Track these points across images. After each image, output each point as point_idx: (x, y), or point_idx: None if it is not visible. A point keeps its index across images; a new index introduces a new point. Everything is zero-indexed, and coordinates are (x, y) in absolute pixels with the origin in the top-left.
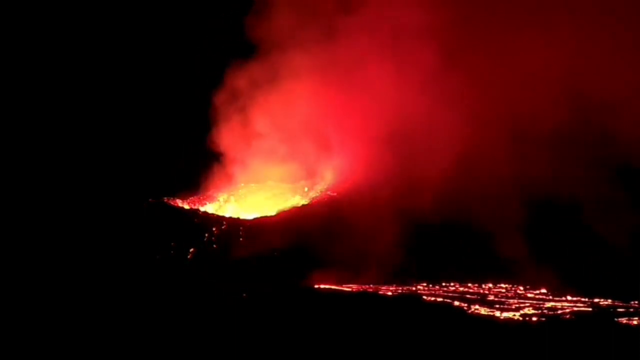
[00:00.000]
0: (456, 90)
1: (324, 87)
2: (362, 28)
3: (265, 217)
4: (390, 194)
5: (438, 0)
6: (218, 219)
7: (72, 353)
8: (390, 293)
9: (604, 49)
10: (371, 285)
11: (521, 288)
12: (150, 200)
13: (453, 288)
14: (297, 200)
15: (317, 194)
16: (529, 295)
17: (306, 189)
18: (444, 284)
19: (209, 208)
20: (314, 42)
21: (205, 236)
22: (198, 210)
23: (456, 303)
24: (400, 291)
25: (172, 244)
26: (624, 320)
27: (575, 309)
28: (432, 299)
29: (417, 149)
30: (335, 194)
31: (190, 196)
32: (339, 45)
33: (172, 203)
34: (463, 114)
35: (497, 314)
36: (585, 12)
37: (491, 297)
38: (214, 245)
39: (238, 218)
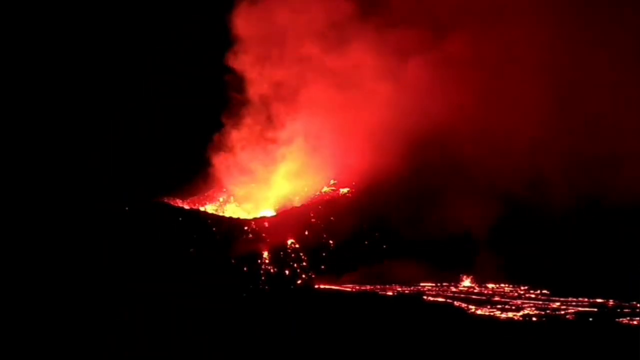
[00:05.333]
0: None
1: (325, 85)
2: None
3: (265, 217)
4: (391, 194)
5: None
6: (218, 219)
7: (72, 353)
8: (390, 293)
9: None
10: (371, 285)
11: (522, 288)
12: (150, 200)
13: (454, 288)
14: (297, 200)
15: (317, 194)
16: (530, 295)
17: (306, 189)
18: (444, 284)
19: (209, 208)
20: (318, 42)
21: (205, 236)
22: (198, 210)
23: (457, 303)
24: (400, 291)
25: (172, 244)
26: (624, 320)
27: (576, 309)
28: (433, 299)
29: (418, 148)
30: (335, 193)
31: (190, 196)
32: (342, 43)
33: (172, 203)
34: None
35: (498, 314)
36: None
37: (492, 297)
38: (214, 245)
39: (238, 218)
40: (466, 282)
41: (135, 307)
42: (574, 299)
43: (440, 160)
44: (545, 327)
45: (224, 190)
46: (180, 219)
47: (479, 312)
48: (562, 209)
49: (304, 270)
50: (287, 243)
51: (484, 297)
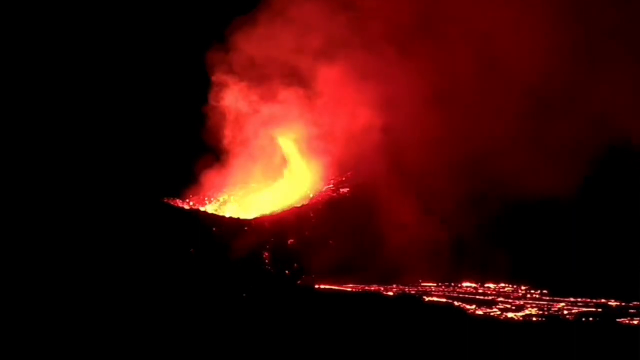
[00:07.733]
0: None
1: (325, 82)
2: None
3: (265, 217)
4: (391, 193)
5: None
6: (218, 219)
7: (72, 353)
8: (391, 293)
9: None
10: (372, 285)
11: (523, 288)
12: (150, 200)
13: (454, 288)
14: (297, 199)
15: (317, 193)
16: (532, 295)
17: (306, 189)
18: (444, 284)
19: (209, 208)
20: (322, 35)
21: (205, 236)
22: (198, 210)
23: (457, 303)
24: (401, 291)
25: (172, 244)
26: (624, 320)
27: (576, 309)
28: (433, 299)
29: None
30: (335, 193)
31: (190, 196)
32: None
33: (172, 203)
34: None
35: (498, 314)
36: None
37: (492, 297)
38: (214, 245)
39: (238, 218)
40: (466, 283)
41: (135, 307)
42: (574, 299)
43: (441, 159)
44: (545, 327)
45: (224, 190)
46: (180, 219)
47: (478, 312)
48: (562, 209)
49: (304, 270)
50: (287, 243)
51: (484, 297)
